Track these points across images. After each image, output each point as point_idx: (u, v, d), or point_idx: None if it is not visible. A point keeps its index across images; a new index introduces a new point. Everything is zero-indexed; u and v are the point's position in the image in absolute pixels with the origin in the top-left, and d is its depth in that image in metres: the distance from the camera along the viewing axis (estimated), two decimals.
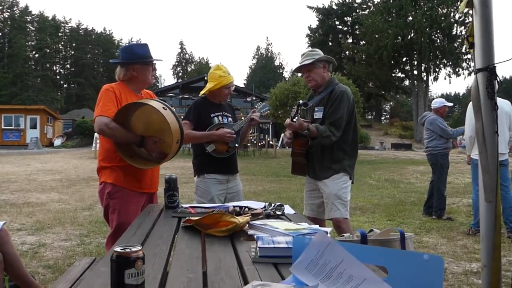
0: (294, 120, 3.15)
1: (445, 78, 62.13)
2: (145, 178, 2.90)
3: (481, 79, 2.00)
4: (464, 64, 38.43)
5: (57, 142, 33.58)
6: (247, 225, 1.81)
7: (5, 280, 2.73)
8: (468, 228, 5.40)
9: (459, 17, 37.20)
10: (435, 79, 41.39)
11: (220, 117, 3.48)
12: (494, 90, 1.96)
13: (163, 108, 2.58)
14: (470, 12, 2.10)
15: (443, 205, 6.42)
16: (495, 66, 1.94)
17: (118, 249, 0.98)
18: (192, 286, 1.14)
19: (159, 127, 2.59)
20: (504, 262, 4.10)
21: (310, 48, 3.65)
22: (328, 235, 1.70)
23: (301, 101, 3.25)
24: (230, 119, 3.55)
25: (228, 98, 3.62)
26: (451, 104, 6.87)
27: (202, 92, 3.56)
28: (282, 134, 3.55)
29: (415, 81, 41.11)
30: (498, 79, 1.97)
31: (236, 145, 3.46)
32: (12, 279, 2.74)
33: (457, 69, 39.62)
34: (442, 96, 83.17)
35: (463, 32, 36.77)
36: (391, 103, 61.30)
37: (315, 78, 3.40)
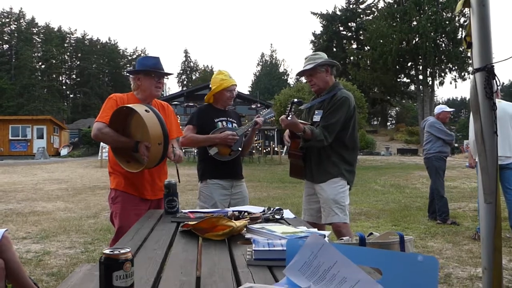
0: (289, 118, 3.11)
1: (450, 83, 61.90)
2: (145, 184, 2.92)
3: (479, 79, 1.98)
4: (470, 68, 38.16)
5: (64, 151, 33.75)
6: (245, 229, 1.81)
7: None
8: (474, 233, 5.35)
9: (464, 21, 37.13)
10: (441, 83, 41.26)
11: (224, 122, 3.48)
12: (492, 90, 1.94)
13: (146, 111, 2.60)
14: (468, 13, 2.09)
15: (445, 208, 6.38)
16: (493, 66, 1.93)
17: (106, 251, 0.98)
18: None
19: (145, 130, 2.61)
20: (511, 267, 4.05)
21: (313, 52, 3.61)
22: (326, 238, 1.69)
23: (295, 100, 3.22)
24: (235, 125, 3.55)
25: (232, 102, 3.60)
26: (451, 110, 6.90)
27: (206, 98, 3.57)
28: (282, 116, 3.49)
29: (420, 86, 40.98)
30: (497, 79, 1.96)
31: (239, 148, 3.45)
32: (13, 287, 2.74)
33: (462, 74, 39.48)
34: (448, 100, 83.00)
35: None
36: (396, 108, 61.13)
37: (317, 83, 3.37)
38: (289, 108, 3.14)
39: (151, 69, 2.99)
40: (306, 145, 3.27)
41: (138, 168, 2.74)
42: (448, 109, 6.80)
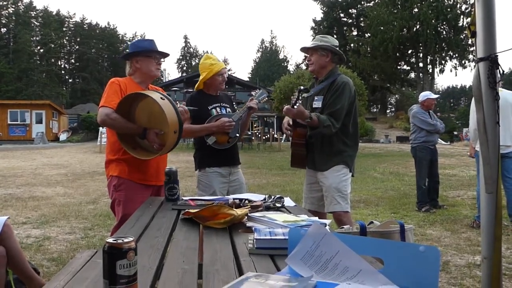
0: (295, 106, 3.07)
1: (451, 71, 61.83)
2: (150, 170, 2.91)
3: (482, 69, 1.97)
4: (471, 56, 38.16)
5: (63, 136, 33.75)
6: (246, 217, 1.81)
7: (9, 273, 2.75)
8: (472, 221, 5.38)
9: (466, 8, 36.91)
10: (441, 71, 41.28)
11: (218, 109, 3.41)
12: (495, 79, 1.93)
13: (161, 98, 2.58)
14: (472, 0, 2.08)
15: (423, 197, 6.46)
16: (497, 56, 1.92)
17: (110, 240, 0.98)
18: (186, 277, 1.14)
19: (158, 117, 2.59)
20: (508, 255, 4.08)
21: (325, 35, 3.55)
22: (327, 227, 1.70)
23: (302, 87, 3.18)
24: (228, 109, 3.48)
25: (223, 86, 3.53)
26: (436, 96, 6.88)
27: (196, 85, 3.49)
28: (285, 106, 3.44)
29: (420, 74, 40.91)
30: (500, 69, 1.95)
31: (237, 135, 3.40)
32: (14, 273, 2.76)
33: (463, 61, 39.44)
34: (448, 88, 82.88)
35: None
36: (396, 96, 61.04)
37: (314, 63, 3.34)
38: (296, 96, 3.08)
39: (148, 49, 2.97)
40: (314, 132, 3.24)
41: (148, 155, 2.74)
42: (433, 96, 6.78)
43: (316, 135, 3.27)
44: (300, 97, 3.10)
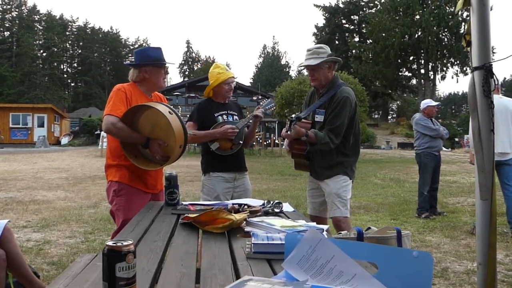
0: (289, 133, 3.15)
1: (452, 77, 61.84)
2: (149, 180, 2.93)
3: (477, 78, 2.00)
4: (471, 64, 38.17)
5: (64, 140, 33.80)
6: (245, 222, 1.83)
7: (9, 276, 2.77)
8: (472, 227, 5.38)
9: (467, 16, 36.94)
10: (443, 78, 41.28)
11: (224, 116, 3.49)
12: (490, 88, 1.97)
13: (169, 112, 2.62)
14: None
15: (424, 203, 6.49)
16: (492, 65, 1.95)
17: (110, 243, 1.00)
18: (184, 281, 1.16)
19: (164, 130, 2.64)
20: (508, 262, 4.09)
21: (317, 45, 3.52)
22: (325, 232, 1.72)
23: (293, 116, 3.22)
24: (236, 117, 3.55)
25: (231, 95, 3.61)
26: (436, 104, 6.97)
27: (205, 92, 3.58)
28: (283, 130, 3.50)
29: (422, 80, 40.94)
30: (495, 77, 1.98)
31: (240, 141, 3.45)
32: (14, 276, 2.78)
33: (464, 68, 39.42)
34: (449, 95, 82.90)
35: None
36: (398, 102, 61.02)
37: (319, 78, 3.35)
38: (289, 126, 3.14)
39: (160, 61, 2.98)
40: (313, 148, 3.28)
41: (149, 165, 2.78)
42: (433, 103, 6.86)
43: (315, 151, 3.31)
44: (293, 127, 3.13)
